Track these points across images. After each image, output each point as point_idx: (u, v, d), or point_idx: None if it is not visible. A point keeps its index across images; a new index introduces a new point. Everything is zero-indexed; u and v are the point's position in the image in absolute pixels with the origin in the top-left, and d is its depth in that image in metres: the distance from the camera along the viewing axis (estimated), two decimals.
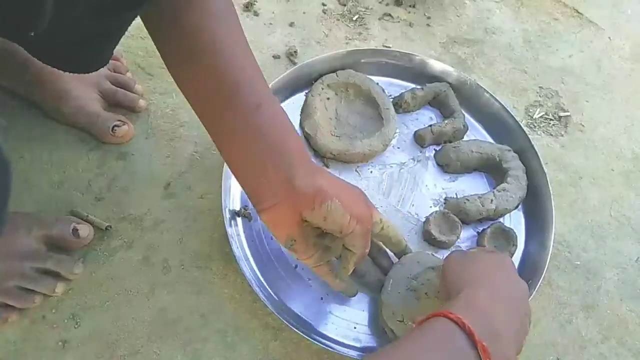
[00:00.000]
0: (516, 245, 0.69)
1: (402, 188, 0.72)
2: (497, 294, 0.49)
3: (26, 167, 0.69)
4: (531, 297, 0.64)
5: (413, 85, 0.78)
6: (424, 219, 0.70)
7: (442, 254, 0.66)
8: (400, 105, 0.76)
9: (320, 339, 0.61)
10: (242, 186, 0.54)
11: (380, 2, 0.90)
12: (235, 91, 0.51)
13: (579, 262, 0.73)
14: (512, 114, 0.76)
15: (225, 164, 0.66)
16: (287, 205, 0.52)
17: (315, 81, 0.75)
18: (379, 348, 0.63)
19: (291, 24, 0.86)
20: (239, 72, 0.52)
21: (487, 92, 0.77)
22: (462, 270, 0.53)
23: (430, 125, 0.75)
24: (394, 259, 0.66)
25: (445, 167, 0.74)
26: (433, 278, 0.60)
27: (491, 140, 0.77)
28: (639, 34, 0.94)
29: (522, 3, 0.94)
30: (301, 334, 0.60)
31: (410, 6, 0.90)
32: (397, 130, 0.75)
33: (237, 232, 0.66)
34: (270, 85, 0.67)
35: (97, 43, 0.60)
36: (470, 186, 0.74)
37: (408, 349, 0.44)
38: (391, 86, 0.78)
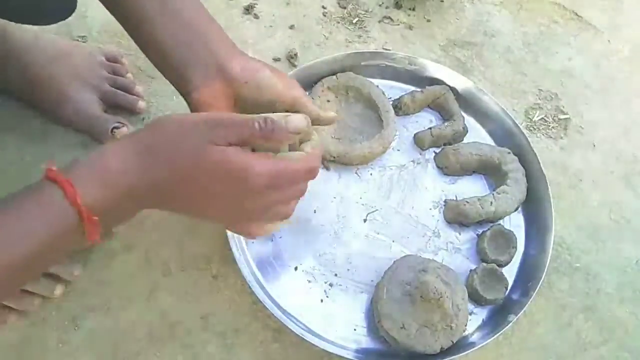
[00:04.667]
0: (516, 248, 0.69)
1: (402, 190, 0.73)
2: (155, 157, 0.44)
3: (27, 170, 0.69)
4: (531, 299, 0.64)
5: (413, 88, 0.78)
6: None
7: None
8: (400, 107, 0.76)
9: (320, 341, 0.61)
10: (166, 72, 0.54)
11: (380, 5, 0.90)
12: None
13: (578, 264, 0.73)
14: (511, 116, 0.76)
15: None
16: (221, 84, 0.52)
17: (315, 84, 0.75)
18: (378, 350, 0.63)
19: (291, 27, 0.86)
20: None
21: (487, 95, 0.77)
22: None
23: (430, 128, 0.75)
24: None
25: (445, 169, 0.74)
26: (426, 280, 0.60)
27: (491, 143, 0.77)
28: (638, 36, 0.94)
29: (521, 6, 0.94)
30: (301, 336, 0.60)
31: (410, 9, 0.90)
32: (397, 133, 0.75)
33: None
34: None
35: None
36: (470, 188, 0.74)
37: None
38: (391, 89, 0.78)
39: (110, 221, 0.44)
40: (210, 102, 0.53)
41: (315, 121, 0.56)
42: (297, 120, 0.47)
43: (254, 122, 0.45)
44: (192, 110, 0.53)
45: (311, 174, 0.50)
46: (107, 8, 0.56)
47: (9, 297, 0.43)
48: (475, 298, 0.66)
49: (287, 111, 0.54)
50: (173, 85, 0.55)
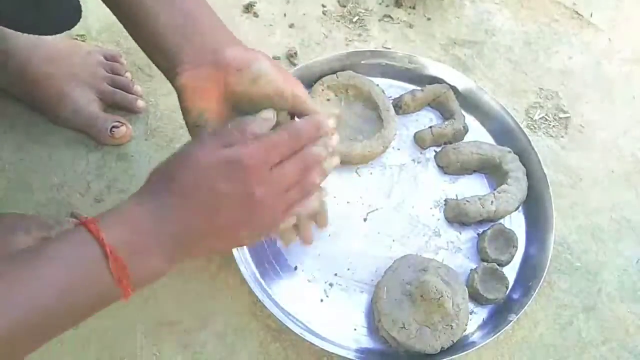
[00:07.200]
0: (516, 247, 0.69)
1: (402, 189, 0.72)
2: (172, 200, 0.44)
3: (26, 170, 0.69)
4: (532, 299, 0.64)
5: (413, 87, 0.78)
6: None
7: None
8: (400, 106, 0.76)
9: (320, 341, 0.61)
10: (155, 55, 0.51)
11: (380, 4, 0.90)
12: None
13: (579, 264, 0.73)
14: (512, 115, 0.76)
15: None
16: (212, 68, 0.48)
17: (315, 82, 0.75)
18: (378, 350, 0.63)
19: (291, 26, 0.86)
20: None
21: (487, 94, 0.77)
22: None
23: (431, 127, 0.75)
24: None
25: (446, 168, 0.74)
26: (426, 280, 0.60)
27: (491, 142, 0.77)
28: (639, 35, 0.94)
29: (522, 5, 0.94)
30: (301, 335, 0.60)
31: (410, 7, 0.90)
32: (397, 132, 0.75)
33: None
34: None
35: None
36: (471, 188, 0.73)
37: (32, 261, 0.41)
38: (391, 87, 0.78)
39: (138, 268, 0.43)
40: (196, 89, 0.48)
41: None
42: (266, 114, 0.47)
43: (236, 124, 0.46)
44: (178, 96, 0.50)
45: (315, 130, 0.45)
46: None
47: (42, 343, 0.43)
48: (476, 297, 0.66)
49: (288, 111, 0.51)
50: (161, 70, 0.52)
